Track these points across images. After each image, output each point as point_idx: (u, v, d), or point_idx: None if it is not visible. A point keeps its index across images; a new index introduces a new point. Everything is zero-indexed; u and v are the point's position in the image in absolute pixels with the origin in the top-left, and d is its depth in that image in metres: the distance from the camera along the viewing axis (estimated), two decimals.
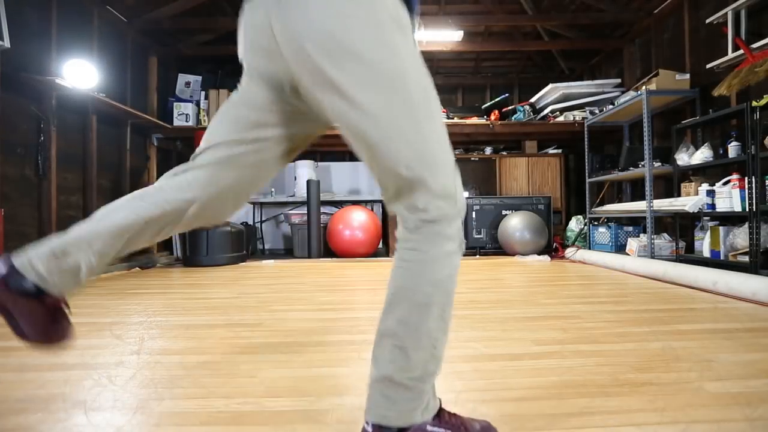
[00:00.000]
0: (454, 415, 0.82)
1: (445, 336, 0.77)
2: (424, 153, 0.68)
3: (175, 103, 4.70)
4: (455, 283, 0.75)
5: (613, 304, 2.12)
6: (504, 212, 4.69)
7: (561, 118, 4.83)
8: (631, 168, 3.76)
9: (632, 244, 3.74)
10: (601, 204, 4.64)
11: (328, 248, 4.76)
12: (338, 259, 4.53)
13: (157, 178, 3.95)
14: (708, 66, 3.34)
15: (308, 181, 4.62)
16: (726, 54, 3.16)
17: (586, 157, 4.53)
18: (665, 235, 3.74)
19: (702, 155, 3.18)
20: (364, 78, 0.66)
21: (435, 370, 0.77)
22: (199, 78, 5.09)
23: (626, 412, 0.95)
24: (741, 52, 3.01)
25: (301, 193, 5.04)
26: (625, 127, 4.60)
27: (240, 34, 0.82)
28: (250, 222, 5.61)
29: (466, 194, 4.46)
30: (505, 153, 5.27)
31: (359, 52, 0.66)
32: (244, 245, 4.50)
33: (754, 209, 2.65)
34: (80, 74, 3.23)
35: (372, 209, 5.41)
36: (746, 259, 2.74)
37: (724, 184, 2.94)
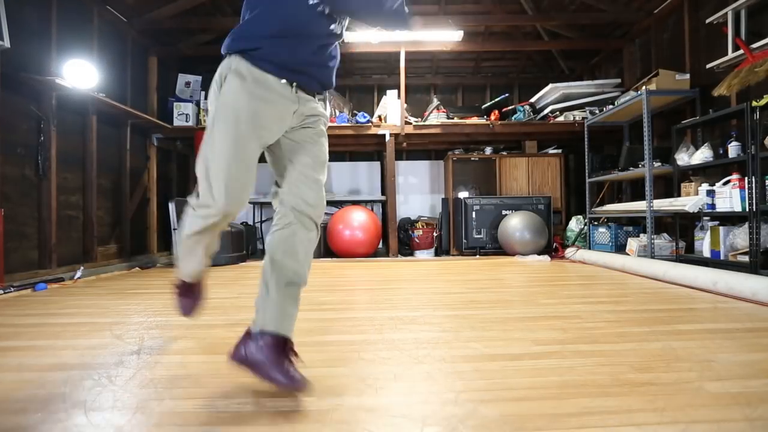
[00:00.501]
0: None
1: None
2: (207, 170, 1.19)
3: (175, 103, 4.70)
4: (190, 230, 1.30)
5: (613, 304, 2.12)
6: (504, 212, 4.69)
7: (561, 118, 4.83)
8: (631, 168, 3.76)
9: (632, 244, 3.74)
10: (601, 204, 4.64)
11: (328, 248, 4.76)
12: (338, 259, 4.53)
13: (157, 178, 3.96)
14: (708, 66, 3.34)
15: None
16: (726, 54, 3.16)
17: (586, 157, 4.53)
18: (665, 235, 3.74)
19: (702, 155, 3.18)
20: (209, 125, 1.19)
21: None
22: (199, 78, 5.09)
23: (626, 412, 0.95)
24: (741, 52, 3.01)
25: None
26: (625, 127, 4.60)
27: None
28: (250, 222, 5.62)
29: (466, 194, 4.45)
30: (505, 153, 5.27)
31: (211, 108, 1.19)
32: (244, 245, 4.50)
33: (754, 209, 2.66)
34: (80, 74, 3.23)
35: (372, 209, 5.42)
36: (746, 259, 2.74)
37: (724, 184, 2.94)
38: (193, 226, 1.28)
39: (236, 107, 1.14)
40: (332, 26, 1.21)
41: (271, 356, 1.07)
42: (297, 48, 1.17)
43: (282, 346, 1.10)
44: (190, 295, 1.53)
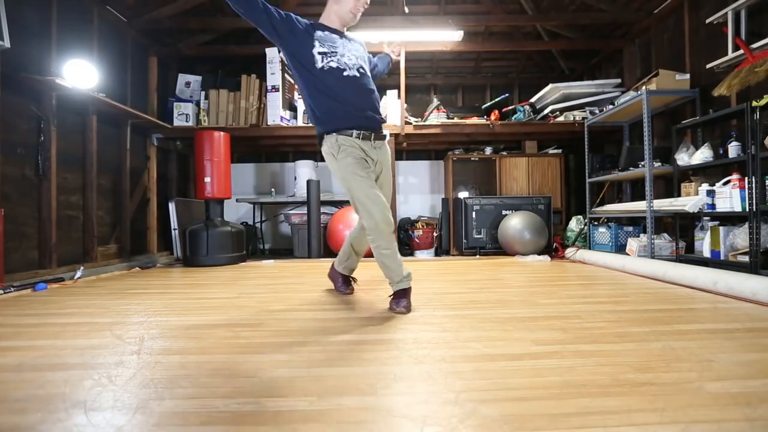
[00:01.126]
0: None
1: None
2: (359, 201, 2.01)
3: (175, 103, 4.70)
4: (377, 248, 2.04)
5: (613, 304, 2.12)
6: (504, 212, 4.69)
7: (561, 118, 4.83)
8: (631, 168, 3.76)
9: (632, 244, 3.74)
10: (601, 204, 4.64)
11: (328, 248, 4.76)
12: None
13: (157, 178, 4.01)
14: (708, 66, 3.34)
15: (308, 181, 4.62)
16: (726, 54, 3.16)
17: (586, 157, 4.53)
18: (665, 235, 3.74)
19: (702, 155, 3.18)
20: (341, 182, 2.07)
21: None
22: (199, 78, 5.08)
23: (626, 412, 0.95)
24: (741, 52, 3.01)
25: (301, 193, 5.04)
26: (625, 127, 4.60)
27: None
28: (250, 222, 5.62)
29: (466, 194, 4.45)
30: (505, 153, 5.27)
31: (337, 173, 2.08)
32: (244, 245, 4.50)
33: (754, 209, 2.66)
34: (80, 74, 3.23)
35: None
36: (746, 259, 2.74)
37: (724, 184, 2.94)
38: (379, 241, 2.01)
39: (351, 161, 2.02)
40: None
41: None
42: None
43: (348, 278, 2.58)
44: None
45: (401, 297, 2.01)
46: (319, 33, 1.97)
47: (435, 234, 5.01)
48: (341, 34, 2.08)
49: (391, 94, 4.87)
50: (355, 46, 2.10)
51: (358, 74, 2.01)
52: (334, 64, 1.95)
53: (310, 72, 1.95)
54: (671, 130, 3.63)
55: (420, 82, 6.08)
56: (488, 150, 5.29)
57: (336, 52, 1.97)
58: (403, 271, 2.02)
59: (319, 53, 1.93)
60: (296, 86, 4.93)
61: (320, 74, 1.94)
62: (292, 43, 1.95)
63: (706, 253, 3.09)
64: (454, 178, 5.19)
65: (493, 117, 4.92)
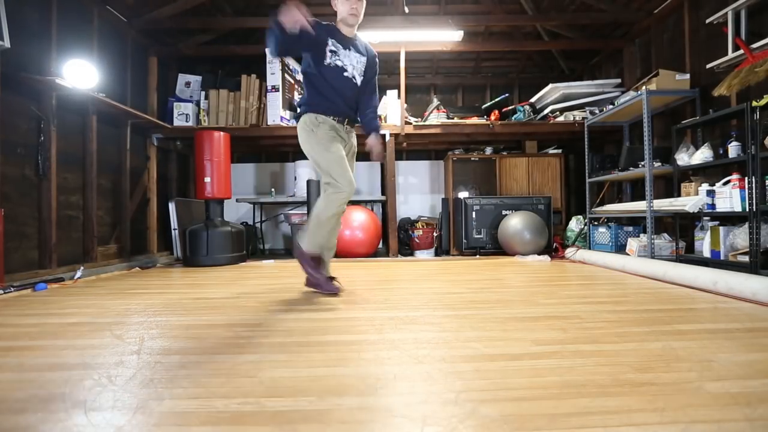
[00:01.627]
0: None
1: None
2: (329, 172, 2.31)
3: (175, 103, 4.70)
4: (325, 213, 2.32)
5: (613, 304, 2.11)
6: (504, 212, 4.69)
7: (561, 118, 4.83)
8: (631, 168, 3.76)
9: (632, 244, 3.74)
10: (601, 204, 4.64)
11: None
12: (338, 259, 4.53)
13: (157, 178, 4.02)
14: (708, 66, 3.34)
15: (308, 181, 4.62)
16: (726, 54, 3.16)
17: (586, 157, 4.53)
18: (665, 235, 3.74)
19: (702, 155, 3.18)
20: (309, 155, 2.39)
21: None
22: (199, 78, 5.08)
23: (626, 412, 0.95)
24: (741, 52, 3.01)
25: (301, 193, 5.04)
26: (625, 127, 4.60)
27: None
28: (250, 222, 5.61)
29: (466, 194, 4.45)
30: (505, 153, 5.27)
31: (306, 148, 2.39)
32: (244, 245, 4.50)
33: (754, 209, 2.66)
34: (80, 74, 3.23)
35: (372, 209, 5.41)
36: (746, 259, 2.74)
37: (724, 184, 2.94)
38: (330, 209, 2.27)
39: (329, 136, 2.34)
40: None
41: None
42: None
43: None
44: (318, 267, 2.39)
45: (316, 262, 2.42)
46: (334, 36, 2.34)
47: (435, 234, 5.01)
48: (349, 42, 2.40)
49: (391, 94, 4.88)
50: (360, 57, 2.43)
51: (352, 78, 2.39)
52: (339, 63, 2.33)
53: (316, 68, 2.31)
54: (671, 130, 3.63)
55: (420, 82, 6.08)
56: (488, 150, 5.29)
57: (342, 54, 2.35)
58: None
59: (330, 51, 2.31)
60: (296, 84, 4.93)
61: (324, 69, 2.30)
62: (313, 49, 2.32)
63: (706, 253, 3.09)
64: (454, 178, 5.19)
65: (493, 117, 4.92)
